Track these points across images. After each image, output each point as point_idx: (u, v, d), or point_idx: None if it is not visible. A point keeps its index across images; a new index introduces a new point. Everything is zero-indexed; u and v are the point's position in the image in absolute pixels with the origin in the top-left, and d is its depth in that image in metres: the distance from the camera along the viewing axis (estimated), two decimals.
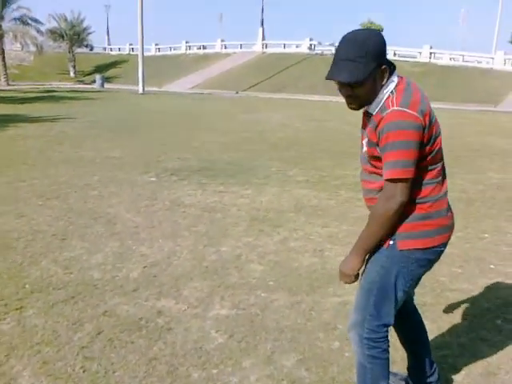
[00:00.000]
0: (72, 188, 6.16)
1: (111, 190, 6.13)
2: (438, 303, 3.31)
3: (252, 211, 5.39)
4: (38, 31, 41.41)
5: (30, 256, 3.96)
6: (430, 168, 1.85)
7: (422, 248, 1.86)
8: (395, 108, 1.73)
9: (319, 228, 4.87)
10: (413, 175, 1.74)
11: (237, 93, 31.90)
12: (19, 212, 5.11)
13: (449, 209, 1.95)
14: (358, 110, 1.90)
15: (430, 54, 37.56)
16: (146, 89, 30.13)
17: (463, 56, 37.47)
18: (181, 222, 4.95)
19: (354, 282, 1.92)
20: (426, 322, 2.34)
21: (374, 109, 1.82)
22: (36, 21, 40.86)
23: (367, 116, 1.89)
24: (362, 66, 1.73)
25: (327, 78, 1.81)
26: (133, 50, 52.59)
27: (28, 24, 40.20)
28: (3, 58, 38.29)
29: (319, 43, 43.87)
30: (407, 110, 1.72)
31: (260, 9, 49.43)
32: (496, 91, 27.65)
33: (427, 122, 1.75)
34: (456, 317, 3.17)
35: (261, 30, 47.40)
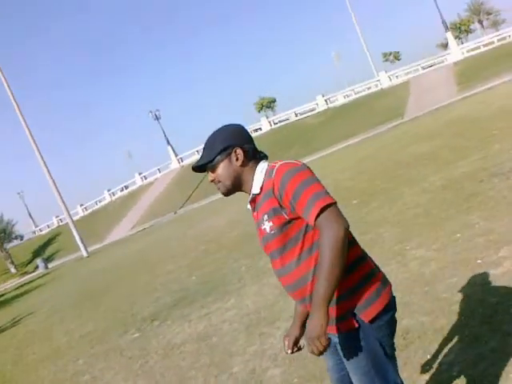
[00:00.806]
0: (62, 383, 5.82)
1: (101, 366, 5.83)
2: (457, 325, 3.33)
3: (244, 319, 5.29)
4: None
5: None
6: None
7: (384, 307, 1.78)
8: (280, 163, 1.79)
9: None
10: (335, 200, 1.70)
11: (175, 213, 32.21)
12: None
13: None
14: (227, 195, 1.95)
15: (325, 100, 40.03)
16: (89, 249, 29.78)
17: (353, 90, 40.19)
18: (182, 365, 4.76)
19: (327, 345, 1.64)
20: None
21: (256, 187, 1.84)
22: None
23: (253, 202, 1.89)
24: (212, 149, 1.87)
25: (193, 169, 1.96)
26: (61, 221, 52.47)
27: None
28: None
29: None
30: (292, 161, 1.79)
31: (161, 132, 51.33)
32: (395, 106, 29.63)
33: None
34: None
35: (169, 148, 49.00)
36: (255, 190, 1.84)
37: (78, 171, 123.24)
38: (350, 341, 1.78)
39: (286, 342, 2.06)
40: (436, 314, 3.51)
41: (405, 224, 6.20)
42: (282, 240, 1.78)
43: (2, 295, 28.46)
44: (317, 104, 40.94)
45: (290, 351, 2.05)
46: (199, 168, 1.94)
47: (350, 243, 1.72)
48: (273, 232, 1.79)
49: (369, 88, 40.17)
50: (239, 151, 1.85)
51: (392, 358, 1.88)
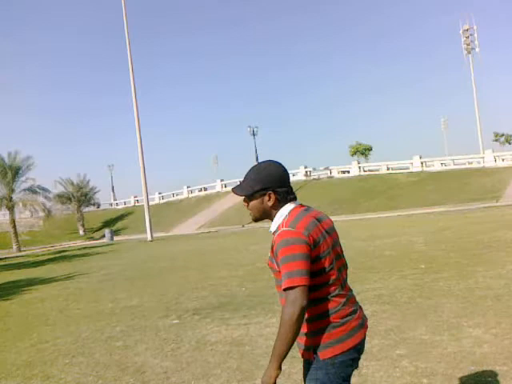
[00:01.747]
0: (96, 342, 6.10)
1: (135, 338, 6.07)
2: None
3: None
4: (46, 197, 43.48)
5: None
6: (325, 285, 2.05)
7: (341, 352, 2.03)
8: (284, 228, 2.03)
9: None
10: (307, 282, 1.93)
11: (243, 226, 32.56)
12: (46, 374, 5.03)
13: (356, 309, 2.15)
14: (255, 221, 2.26)
15: (421, 163, 39.04)
16: (154, 235, 30.83)
17: (453, 160, 38.92)
18: (210, 361, 4.85)
19: None
20: None
21: (272, 229, 2.13)
22: (44, 189, 43.11)
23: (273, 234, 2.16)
24: (251, 185, 2.14)
25: (232, 191, 2.24)
26: (138, 202, 54.83)
27: (36, 192, 42.38)
28: (14, 226, 39.75)
29: (314, 169, 45.93)
30: (293, 229, 2.00)
31: (253, 147, 52.61)
32: (493, 187, 28.31)
33: (312, 241, 1.99)
34: None
35: None
36: (272, 228, 2.14)
37: (166, 162, 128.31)
38: (308, 367, 2.10)
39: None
40: None
41: (470, 301, 5.93)
42: (278, 284, 2.07)
43: (65, 251, 30.19)
44: (411, 163, 40.04)
45: None
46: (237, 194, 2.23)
47: (321, 299, 2.05)
48: (272, 270, 2.13)
49: (470, 163, 38.82)
50: (272, 195, 2.12)
51: None
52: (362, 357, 4.40)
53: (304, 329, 2.04)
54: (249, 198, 2.17)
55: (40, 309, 9.41)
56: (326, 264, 2.05)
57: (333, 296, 2.08)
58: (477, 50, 56.93)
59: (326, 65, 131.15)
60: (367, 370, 4.06)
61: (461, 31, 57.65)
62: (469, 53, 57.12)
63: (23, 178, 41.58)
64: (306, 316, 2.00)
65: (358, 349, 2.10)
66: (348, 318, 2.08)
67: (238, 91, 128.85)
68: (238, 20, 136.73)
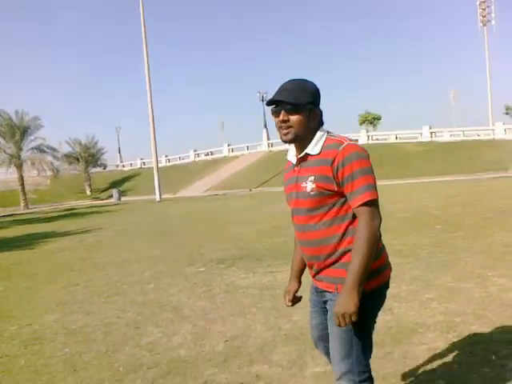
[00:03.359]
0: (127, 285, 6.34)
1: (166, 282, 6.30)
2: None
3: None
4: (54, 157, 43.67)
5: (112, 344, 4.07)
6: None
7: (382, 283, 2.00)
8: (350, 142, 1.92)
9: None
10: (378, 196, 1.90)
11: (250, 190, 32.76)
12: (85, 310, 5.27)
13: None
14: (291, 142, 2.01)
15: (431, 133, 38.84)
16: (162, 196, 31.08)
17: (463, 131, 38.69)
18: (244, 301, 5.07)
19: (354, 319, 1.84)
20: None
21: (314, 148, 1.97)
22: (52, 148, 43.25)
23: (302, 159, 2.02)
24: (301, 95, 1.95)
25: (268, 102, 2.00)
26: (144, 164, 54.91)
27: (45, 152, 42.55)
28: (22, 184, 40.05)
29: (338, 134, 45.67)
30: (359, 145, 1.94)
31: (262, 113, 52.31)
32: (503, 159, 28.26)
33: None
34: None
35: (265, 131, 49.85)
36: (314, 151, 1.97)
37: (173, 126, 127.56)
38: None
39: (287, 297, 2.33)
40: (510, 329, 3.55)
41: (490, 255, 6.11)
42: (318, 202, 1.95)
43: (74, 209, 30.52)
44: (421, 134, 39.82)
45: (290, 304, 2.33)
46: (275, 102, 1.99)
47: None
48: (312, 193, 1.95)
49: (479, 135, 38.59)
50: (318, 112, 2.02)
51: (372, 328, 2.07)
52: (392, 299, 4.64)
53: (345, 259, 1.92)
54: (295, 110, 1.94)
55: (62, 258, 9.67)
56: None
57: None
58: (492, 22, 55.87)
59: (335, 28, 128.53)
60: (399, 310, 4.27)
61: (478, 2, 56.44)
62: (484, 25, 56.08)
63: (32, 137, 41.70)
64: (350, 245, 1.91)
65: (388, 282, 2.06)
66: (384, 248, 2.06)
67: (247, 55, 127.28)
68: None
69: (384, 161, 34.24)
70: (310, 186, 1.94)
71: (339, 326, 1.85)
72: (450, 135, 39.08)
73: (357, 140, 2.03)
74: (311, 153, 1.97)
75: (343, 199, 1.93)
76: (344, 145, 1.90)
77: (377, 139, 42.93)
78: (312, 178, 1.94)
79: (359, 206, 1.86)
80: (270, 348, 3.66)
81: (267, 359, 3.45)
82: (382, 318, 4.09)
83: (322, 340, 2.23)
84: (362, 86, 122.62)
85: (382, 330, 3.81)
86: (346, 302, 1.81)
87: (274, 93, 2.02)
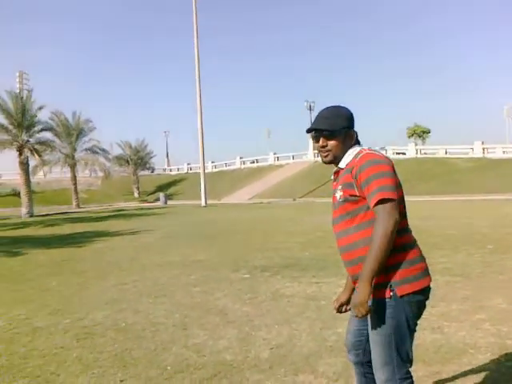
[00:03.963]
0: (174, 287, 6.49)
1: (211, 286, 6.41)
2: None
3: None
4: (106, 158, 45.00)
5: (160, 343, 4.19)
6: (404, 215, 2.10)
7: (418, 290, 2.04)
8: (367, 151, 2.10)
9: (428, 307, 4.84)
10: (397, 196, 1.98)
11: (294, 200, 32.72)
12: (135, 308, 5.43)
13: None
14: (330, 163, 2.23)
15: (483, 149, 37.69)
16: (207, 202, 31.49)
17: None
18: (289, 310, 5.09)
19: (368, 310, 1.97)
20: None
21: (344, 162, 2.17)
22: (104, 150, 44.61)
23: (337, 173, 2.24)
24: (336, 121, 2.16)
25: (308, 130, 2.24)
26: (191, 169, 55.85)
27: (97, 153, 43.92)
28: (75, 183, 41.49)
29: (369, 148, 45.13)
30: (378, 152, 2.10)
31: (308, 122, 52.32)
32: None
33: (393, 167, 2.07)
34: None
35: (310, 140, 49.78)
36: (342, 164, 2.18)
37: (219, 133, 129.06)
38: (381, 307, 2.03)
39: (335, 304, 2.46)
40: None
41: None
42: (346, 208, 2.11)
43: (123, 210, 31.37)
44: (472, 149, 38.73)
45: (335, 311, 2.48)
46: (313, 130, 2.22)
47: (403, 230, 2.06)
48: (341, 200, 2.13)
49: None
50: (353, 133, 2.20)
51: (412, 336, 2.11)
52: (441, 317, 4.55)
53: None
54: (332, 136, 2.16)
55: (112, 256, 9.98)
56: (401, 194, 2.07)
57: (409, 230, 2.13)
58: None
59: (385, 39, 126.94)
60: (449, 330, 4.19)
61: None
62: None
63: (86, 139, 43.13)
64: None
65: (429, 290, 2.11)
66: (423, 257, 2.11)
67: (294, 65, 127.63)
68: None
69: (432, 175, 33.51)
70: (339, 194, 2.15)
71: (357, 317, 2.01)
72: (503, 151, 37.80)
73: (386, 151, 2.18)
74: (341, 166, 2.19)
75: (367, 204, 2.04)
76: (362, 154, 2.09)
77: (425, 153, 42.08)
78: (340, 187, 2.15)
79: (374, 205, 1.98)
80: (316, 358, 3.67)
81: (313, 369, 3.46)
82: (432, 337, 4.04)
83: (354, 347, 2.33)
84: (413, 98, 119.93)
85: (431, 348, 3.77)
86: (358, 294, 1.96)
87: (316, 114, 2.26)
